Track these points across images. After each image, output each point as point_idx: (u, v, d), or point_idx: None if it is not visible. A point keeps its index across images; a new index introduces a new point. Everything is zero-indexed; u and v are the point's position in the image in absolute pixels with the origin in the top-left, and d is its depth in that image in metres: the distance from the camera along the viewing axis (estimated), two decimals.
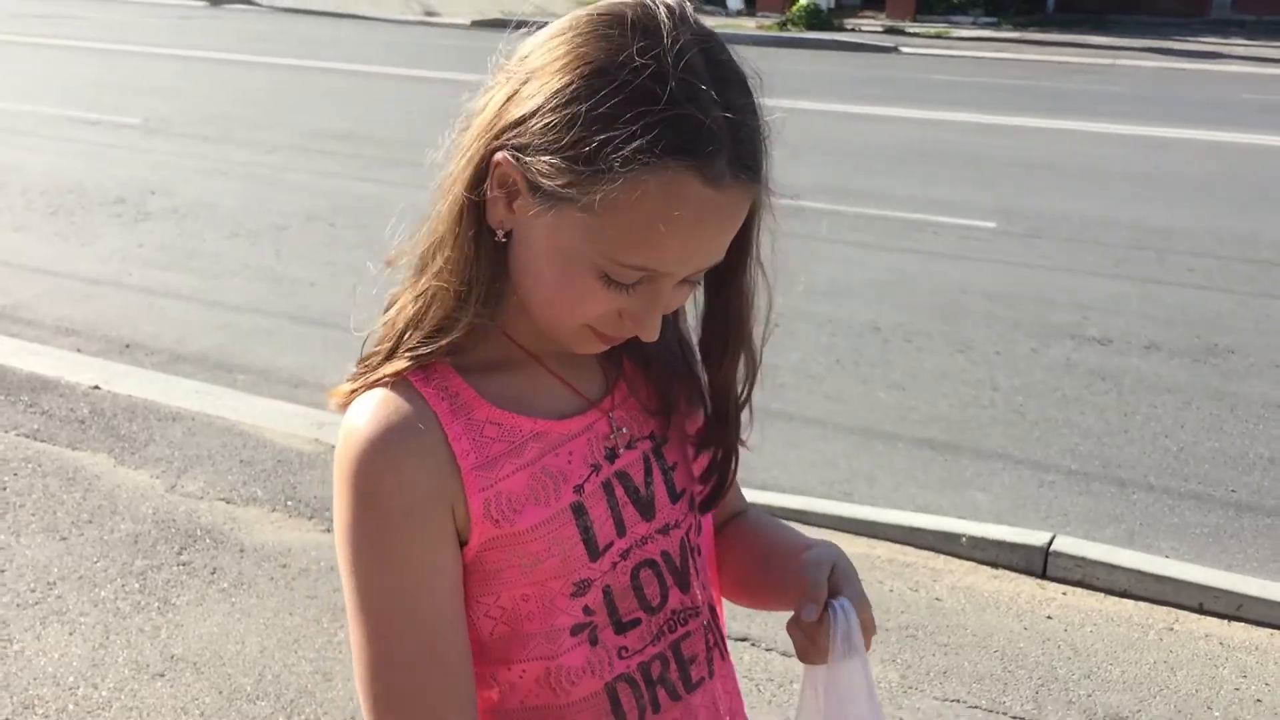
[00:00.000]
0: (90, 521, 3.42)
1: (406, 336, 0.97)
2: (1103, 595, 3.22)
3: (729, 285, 1.00)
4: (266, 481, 3.69)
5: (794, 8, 18.94)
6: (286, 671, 2.79)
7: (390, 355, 0.98)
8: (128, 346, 4.97)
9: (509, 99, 0.90)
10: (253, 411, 4.22)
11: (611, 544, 1.00)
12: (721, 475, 1.10)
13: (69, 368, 4.57)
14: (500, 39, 0.96)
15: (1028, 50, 16.83)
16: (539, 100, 0.87)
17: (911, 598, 3.18)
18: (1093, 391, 4.65)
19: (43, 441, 3.92)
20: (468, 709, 0.96)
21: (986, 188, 7.97)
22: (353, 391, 0.98)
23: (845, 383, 4.70)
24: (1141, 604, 3.18)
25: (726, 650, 1.12)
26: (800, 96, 10.01)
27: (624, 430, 1.04)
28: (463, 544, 0.96)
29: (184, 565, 3.22)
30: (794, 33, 17.92)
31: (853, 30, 18.68)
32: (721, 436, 1.08)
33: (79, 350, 4.88)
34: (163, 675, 2.76)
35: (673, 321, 1.08)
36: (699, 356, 1.07)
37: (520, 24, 0.94)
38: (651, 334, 0.94)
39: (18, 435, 3.96)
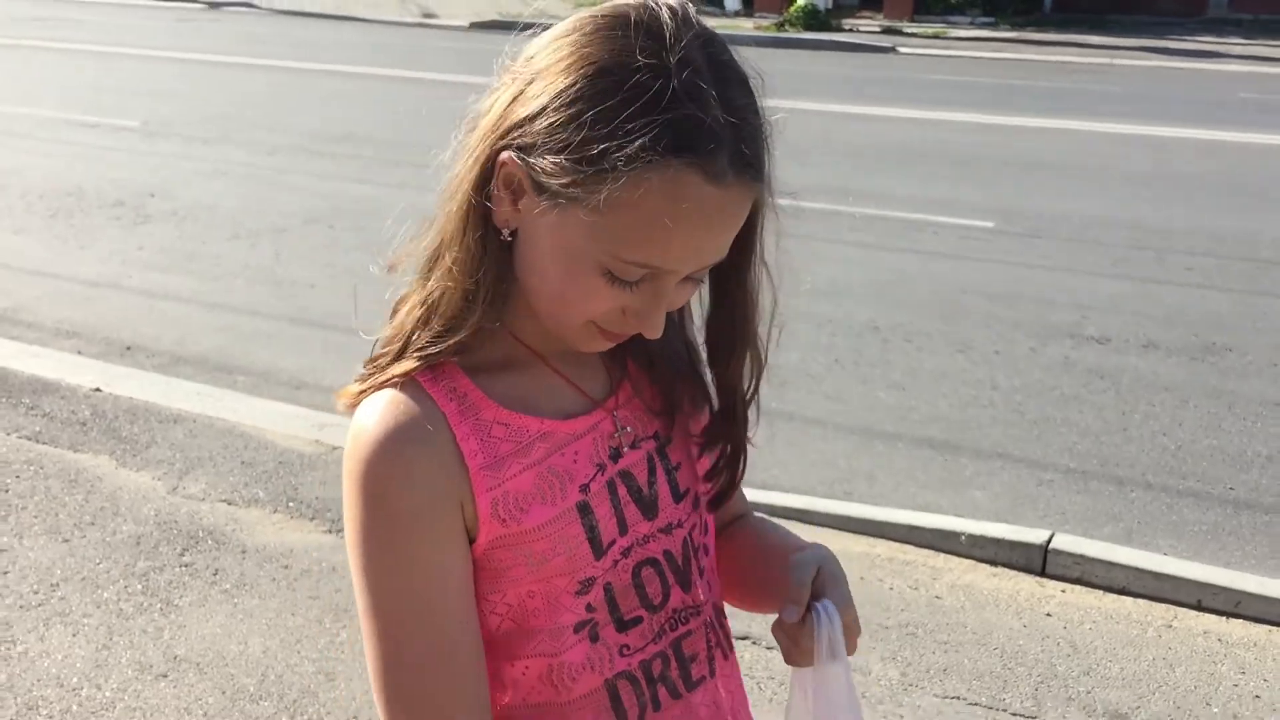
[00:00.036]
0: (92, 523, 3.43)
1: (415, 337, 0.98)
2: (1101, 593, 3.23)
3: (734, 284, 1.01)
4: (268, 483, 3.70)
5: (791, 8, 18.94)
6: (289, 672, 2.80)
7: (399, 356, 0.98)
8: (128, 349, 4.98)
9: (514, 99, 0.91)
10: (254, 413, 4.23)
11: (613, 542, 1.01)
12: (731, 471, 1.10)
13: (70, 370, 4.57)
14: (498, 41, 0.97)
15: (1025, 50, 16.84)
16: (544, 100, 0.88)
17: (911, 596, 3.19)
18: (1091, 390, 4.66)
19: (44, 444, 3.93)
20: (480, 708, 0.97)
21: (985, 188, 7.98)
22: (361, 392, 0.99)
23: (845, 382, 4.71)
24: (1140, 601, 3.19)
25: (730, 649, 1.12)
26: (798, 97, 10.03)
27: (628, 429, 1.05)
28: (471, 541, 0.97)
29: (186, 566, 3.23)
30: (792, 33, 17.92)
31: (850, 30, 18.68)
32: (729, 432, 1.09)
33: (80, 353, 4.89)
34: (166, 676, 2.77)
35: (678, 323, 1.09)
36: (705, 356, 1.08)
37: (526, 26, 0.95)
38: (655, 331, 0.95)
39: (19, 438, 3.97)
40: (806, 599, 1.01)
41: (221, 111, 10.49)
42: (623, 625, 1.03)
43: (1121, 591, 3.23)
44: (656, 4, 0.89)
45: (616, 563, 1.02)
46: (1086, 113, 10.99)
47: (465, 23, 18.75)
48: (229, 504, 3.57)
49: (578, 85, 0.87)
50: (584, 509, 1.00)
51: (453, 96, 1.01)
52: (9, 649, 2.85)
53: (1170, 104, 11.63)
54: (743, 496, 1.19)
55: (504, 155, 0.90)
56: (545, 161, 0.88)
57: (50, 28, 17.02)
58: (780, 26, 18.58)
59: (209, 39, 16.41)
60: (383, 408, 0.96)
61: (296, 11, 20.53)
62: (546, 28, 0.93)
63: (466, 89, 0.99)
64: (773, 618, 1.04)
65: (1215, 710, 2.76)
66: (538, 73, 0.90)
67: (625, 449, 1.04)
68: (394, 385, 0.97)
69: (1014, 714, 2.73)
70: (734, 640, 1.14)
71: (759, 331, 1.04)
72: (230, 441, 3.98)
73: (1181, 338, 5.20)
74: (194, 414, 4.19)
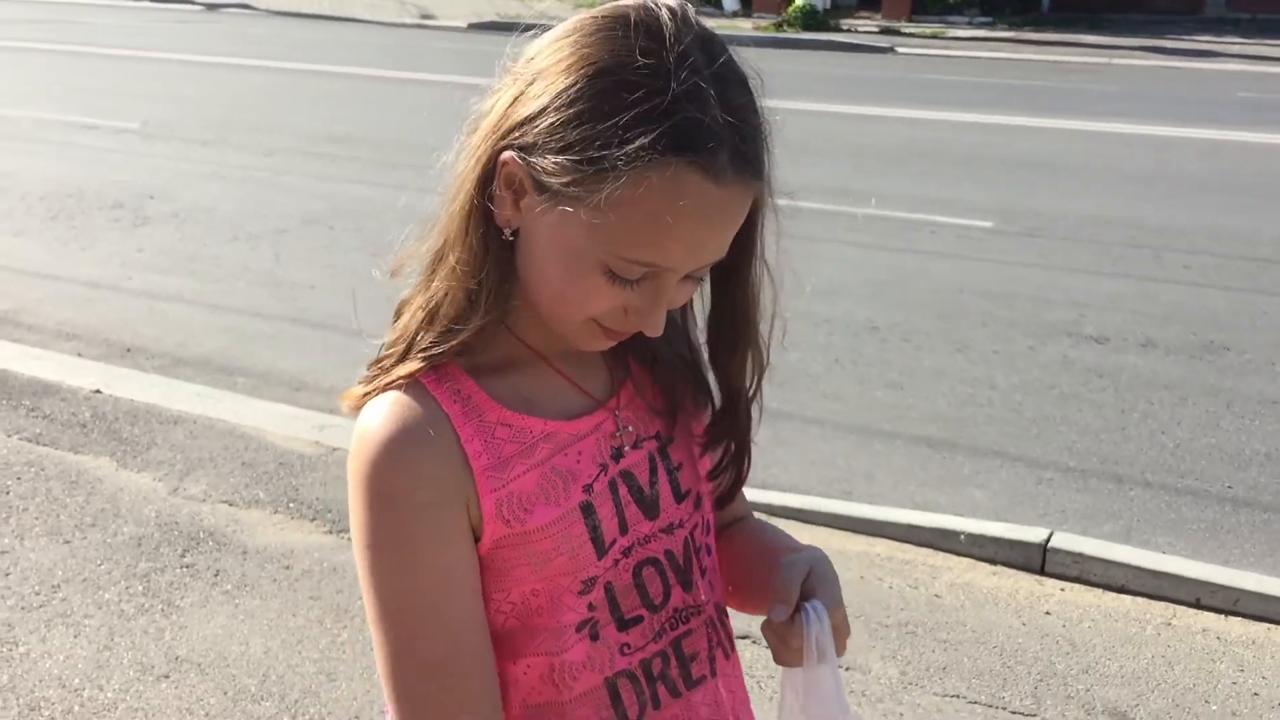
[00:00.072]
0: (93, 525, 3.43)
1: (419, 338, 0.98)
2: (1100, 591, 3.24)
3: (734, 283, 1.01)
4: (269, 484, 3.70)
5: (790, 8, 18.95)
6: (290, 672, 2.81)
7: (403, 357, 0.99)
8: (129, 350, 4.99)
9: (515, 100, 0.92)
10: (254, 414, 4.23)
11: (614, 541, 1.02)
12: (736, 469, 1.11)
13: (70, 372, 4.58)
14: (496, 41, 0.98)
15: (1023, 50, 16.86)
16: (544, 100, 0.89)
17: (911, 595, 3.20)
18: (1090, 389, 4.67)
19: (45, 446, 3.93)
20: (490, 706, 0.98)
21: (983, 187, 7.99)
22: (365, 395, 1.00)
23: (844, 382, 4.72)
24: (1139, 599, 3.20)
25: (732, 649, 1.13)
26: (797, 97, 10.03)
27: (629, 429, 1.05)
28: (475, 541, 0.98)
29: (187, 567, 3.23)
30: (790, 33, 17.94)
31: (849, 31, 18.70)
32: (732, 430, 1.09)
33: (80, 354, 4.89)
34: (167, 676, 2.78)
35: (681, 324, 1.09)
36: (707, 355, 1.08)
37: (527, 27, 0.96)
38: (656, 329, 0.96)
39: (20, 439, 3.97)
40: (795, 599, 1.01)
41: (220, 113, 10.49)
42: (623, 624, 1.03)
43: (1120, 590, 3.24)
44: (656, 5, 0.90)
45: (617, 562, 1.02)
46: (1084, 112, 11.00)
47: (463, 23, 18.77)
48: (230, 505, 3.57)
49: (578, 85, 0.87)
50: (587, 509, 1.00)
51: (451, 97, 1.02)
52: (11, 650, 2.86)
53: (1168, 103, 11.63)
54: (743, 498, 1.20)
55: (505, 155, 0.91)
56: (546, 161, 0.89)
57: (49, 29, 17.02)
58: (779, 27, 18.60)
59: (207, 40, 16.41)
60: (387, 409, 0.96)
61: (294, 13, 20.53)
62: (547, 29, 0.94)
63: (465, 90, 0.99)
64: None
65: (1214, 708, 2.77)
66: (538, 73, 0.90)
67: (627, 449, 1.04)
68: (398, 387, 0.98)
69: (1013, 712, 2.74)
70: (735, 639, 1.15)
71: (760, 330, 1.05)
72: (231, 443, 3.98)
73: (1180, 336, 5.21)
74: (195, 415, 4.19)
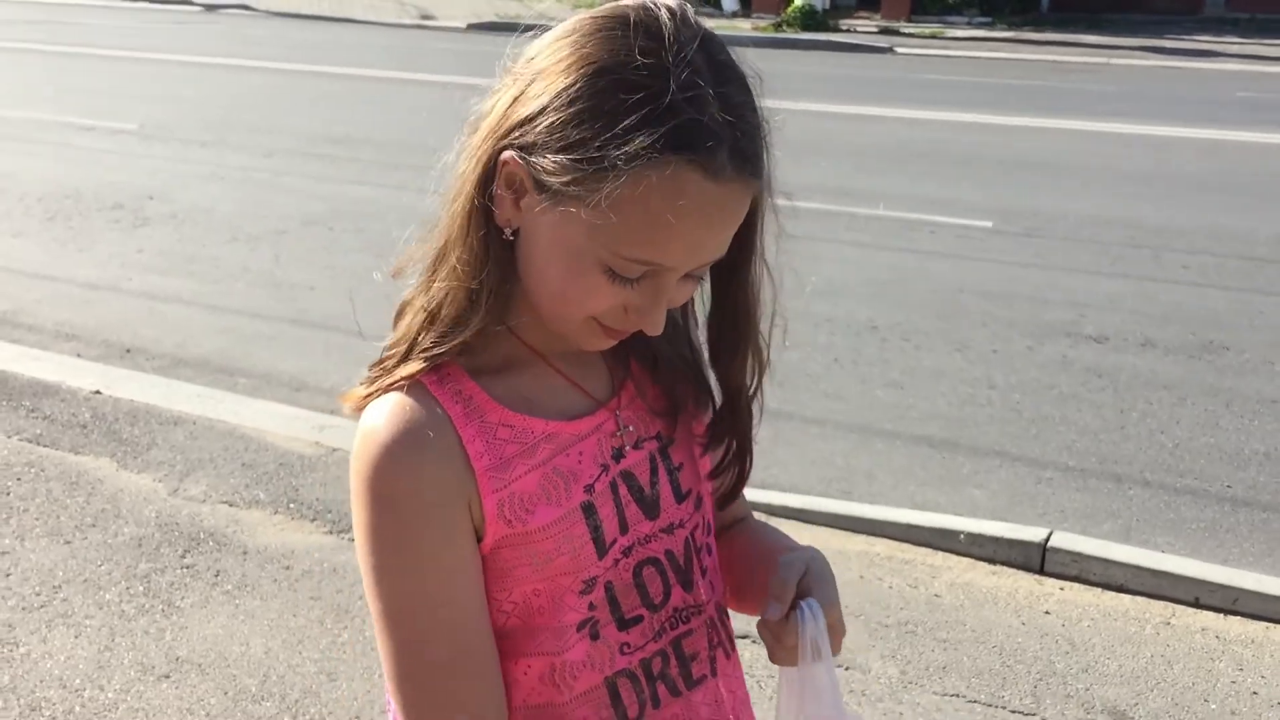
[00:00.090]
0: (94, 525, 3.44)
1: (420, 338, 0.98)
2: (1100, 590, 3.25)
3: (735, 283, 1.02)
4: (269, 484, 3.71)
5: (789, 9, 18.96)
6: (291, 672, 2.81)
7: (405, 358, 0.99)
8: (128, 351, 4.99)
9: (515, 100, 0.92)
10: (254, 415, 4.24)
11: (615, 541, 1.02)
12: (738, 467, 1.11)
13: (70, 373, 4.58)
14: (495, 42, 0.98)
15: (1022, 50, 16.86)
16: (544, 100, 0.89)
17: (910, 594, 3.20)
18: (1089, 389, 4.68)
19: (45, 446, 3.94)
20: (495, 705, 0.98)
21: (982, 187, 7.99)
22: (367, 396, 1.00)
23: (843, 381, 4.73)
24: (1138, 598, 3.20)
25: (733, 649, 1.13)
26: (796, 97, 10.03)
27: (630, 429, 1.05)
28: (477, 541, 0.98)
29: (188, 568, 3.24)
30: (789, 34, 17.94)
31: (848, 31, 18.70)
32: (733, 428, 1.09)
33: (79, 355, 4.89)
34: (168, 677, 2.78)
35: (682, 325, 1.10)
36: (708, 354, 1.08)
37: (527, 28, 0.96)
38: (656, 328, 0.96)
39: (20, 440, 3.97)
40: (790, 597, 1.01)
41: (219, 114, 10.49)
42: (624, 624, 1.03)
43: (1119, 589, 3.24)
44: (655, 5, 0.90)
45: (618, 562, 1.03)
46: (1083, 112, 11.01)
47: (463, 24, 18.77)
48: (230, 505, 3.58)
49: (578, 85, 0.88)
50: (588, 509, 1.01)
51: (451, 98, 1.02)
52: (12, 650, 2.86)
53: (1167, 103, 11.64)
54: (743, 499, 1.20)
55: (505, 155, 0.91)
56: (546, 160, 0.89)
57: (46, 30, 17.02)
58: (778, 27, 18.61)
59: (206, 41, 16.41)
60: (389, 411, 0.97)
61: (293, 13, 20.53)
62: (546, 29, 0.94)
63: (465, 90, 1.00)
64: None
65: (1213, 706, 2.78)
66: (538, 73, 0.91)
67: (628, 449, 1.05)
68: (400, 388, 0.98)
69: (1013, 711, 2.75)
70: (736, 639, 1.15)
71: (760, 329, 1.05)
72: (231, 443, 3.98)
73: (1179, 336, 5.21)
74: (194, 416, 4.19)
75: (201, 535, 3.40)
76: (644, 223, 0.88)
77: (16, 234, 6.76)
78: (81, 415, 4.17)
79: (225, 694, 2.73)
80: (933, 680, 2.84)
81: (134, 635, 2.93)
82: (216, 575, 3.20)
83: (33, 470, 3.76)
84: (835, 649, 1.03)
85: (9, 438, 3.99)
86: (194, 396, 4.39)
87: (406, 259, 1.02)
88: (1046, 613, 3.14)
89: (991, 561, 3.37)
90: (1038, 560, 3.34)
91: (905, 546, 3.44)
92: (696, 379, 1.10)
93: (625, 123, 0.86)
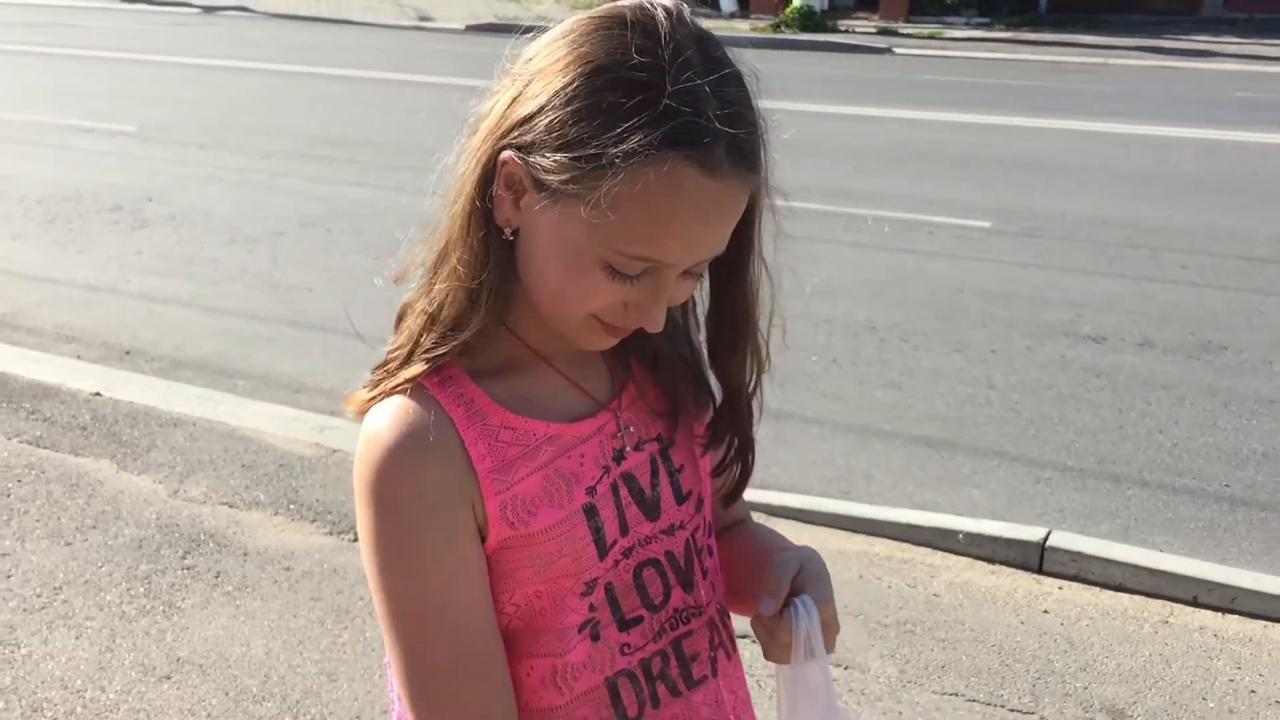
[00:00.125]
0: (94, 527, 3.44)
1: (422, 339, 0.99)
2: (1098, 589, 3.25)
3: (733, 282, 1.02)
4: (269, 485, 3.71)
5: (787, 10, 18.98)
6: (292, 673, 2.81)
7: (407, 360, 1.00)
8: (128, 353, 4.99)
9: (514, 100, 0.93)
10: (254, 416, 4.24)
11: (615, 542, 1.03)
12: (740, 463, 1.12)
13: (70, 375, 4.58)
14: (494, 43, 0.99)
15: (1021, 50, 16.88)
16: (542, 99, 0.90)
17: (909, 594, 3.21)
18: (1087, 389, 4.68)
19: (45, 448, 3.94)
20: (504, 705, 0.99)
21: (981, 187, 8.00)
22: (370, 399, 1.00)
23: (842, 382, 4.73)
24: (1137, 598, 3.21)
25: (734, 649, 1.13)
26: (795, 98, 10.05)
27: (631, 430, 1.06)
28: (481, 541, 0.99)
29: (188, 569, 3.24)
30: (787, 34, 17.96)
31: (846, 32, 18.73)
32: (734, 425, 1.10)
33: (79, 357, 4.90)
34: (169, 678, 2.79)
35: (683, 326, 1.10)
36: (707, 353, 1.09)
37: (526, 29, 0.97)
38: (656, 324, 0.96)
39: (20, 442, 3.98)
40: (784, 593, 1.02)
41: (218, 116, 10.50)
42: (624, 625, 1.04)
43: (1118, 588, 3.25)
44: (651, 4, 0.91)
45: (618, 563, 1.03)
46: (1082, 112, 11.02)
47: (461, 25, 18.79)
48: (230, 507, 3.58)
49: (575, 83, 0.88)
50: (590, 511, 1.01)
51: (449, 99, 1.02)
52: (13, 652, 2.87)
53: (1165, 103, 11.66)
54: (742, 501, 1.20)
55: (504, 155, 0.92)
56: (545, 159, 0.89)
57: (45, 33, 17.02)
58: (776, 28, 18.63)
59: (204, 43, 16.42)
60: (392, 414, 0.97)
61: (291, 15, 20.55)
62: (545, 30, 0.95)
63: (463, 92, 1.00)
64: None
65: (1211, 705, 2.78)
66: (536, 73, 0.91)
67: (629, 450, 1.05)
68: (402, 391, 0.98)
69: (1012, 710, 2.75)
70: (737, 639, 1.15)
71: (759, 327, 1.05)
72: (231, 445, 3.99)
73: (1177, 336, 5.22)
74: (194, 417, 4.20)
75: (202, 536, 3.40)
76: (643, 219, 0.89)
77: (16, 236, 6.77)
78: (81, 417, 4.18)
79: (226, 694, 2.74)
80: (932, 679, 2.85)
81: (135, 636, 2.94)
82: (217, 576, 3.21)
83: (33, 472, 3.77)
84: (830, 646, 1.03)
85: (9, 440, 4.00)
86: (194, 398, 4.40)
87: (409, 264, 1.02)
88: (1045, 612, 3.14)
89: (990, 561, 3.38)
90: (1036, 560, 3.34)
91: (904, 546, 3.44)
92: (697, 379, 1.11)
93: (622, 120, 0.86)
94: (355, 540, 3.37)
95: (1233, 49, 16.58)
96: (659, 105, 0.86)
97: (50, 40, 16.08)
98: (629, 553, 1.04)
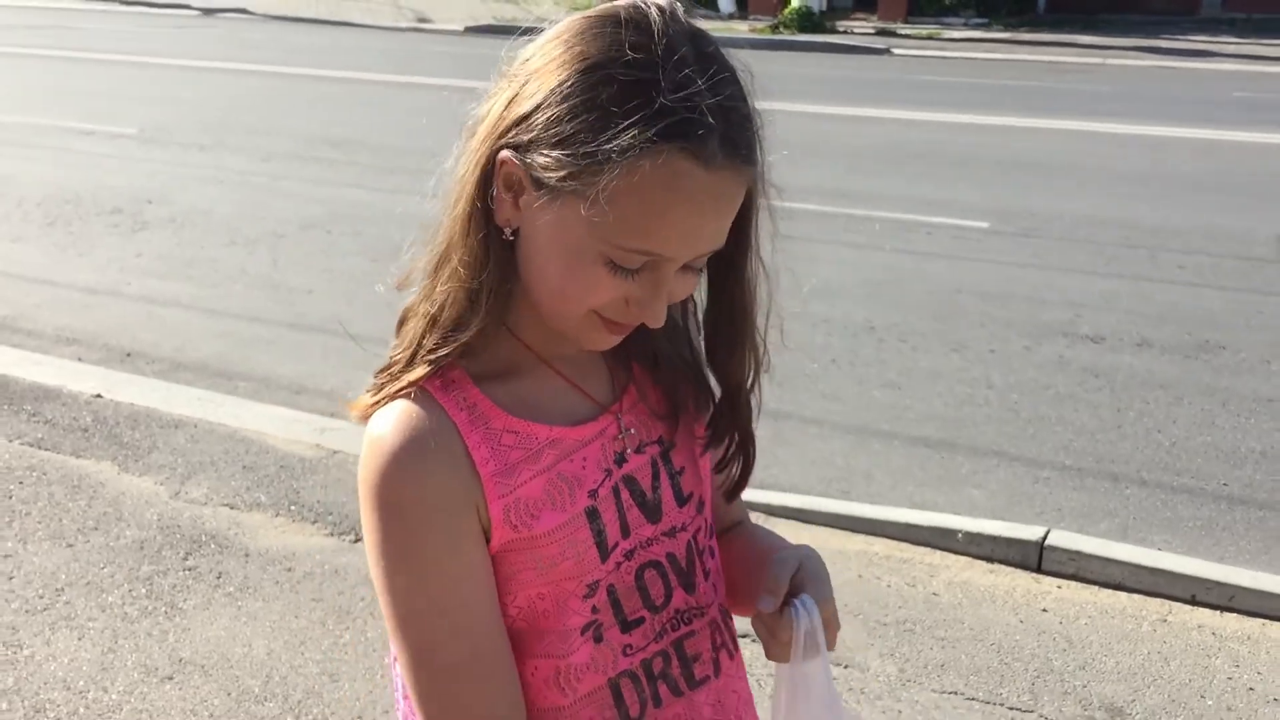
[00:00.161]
0: (96, 528, 3.45)
1: (424, 341, 1.00)
2: (1097, 588, 3.26)
3: (731, 279, 1.03)
4: (270, 487, 3.72)
5: (786, 10, 18.98)
6: (293, 673, 2.82)
7: (409, 363, 1.00)
8: (128, 355, 5.00)
9: (511, 101, 0.94)
10: (254, 418, 4.25)
11: (616, 545, 1.04)
12: (742, 459, 1.13)
13: (70, 377, 4.59)
14: (492, 44, 1.00)
15: (1019, 51, 16.89)
16: (539, 98, 0.91)
17: (909, 593, 3.22)
18: (1086, 388, 4.69)
19: (47, 450, 3.95)
20: (513, 706, 1.00)
21: (979, 188, 8.01)
22: (374, 403, 1.01)
23: (841, 382, 4.74)
24: (1135, 596, 3.22)
25: (736, 650, 1.14)
26: (793, 99, 10.07)
27: (632, 432, 1.07)
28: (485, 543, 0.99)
29: (190, 570, 3.25)
30: (786, 35, 17.97)
31: (845, 32, 18.74)
32: (734, 422, 1.11)
33: (80, 359, 4.91)
34: (171, 678, 2.80)
35: (683, 327, 1.11)
36: (705, 352, 1.09)
37: (523, 31, 0.98)
38: (657, 319, 0.97)
39: (22, 444, 3.99)
40: (784, 591, 1.02)
41: (217, 117, 10.51)
42: (626, 626, 1.05)
43: (1117, 587, 3.26)
44: (645, 3, 0.92)
45: (620, 565, 1.04)
46: (1080, 113, 11.03)
47: (460, 27, 18.80)
48: (231, 508, 3.59)
49: (570, 81, 0.89)
50: (592, 514, 1.02)
51: (448, 101, 1.03)
52: (15, 653, 2.88)
53: (1163, 103, 11.67)
54: (740, 503, 1.21)
55: (503, 154, 0.93)
56: (543, 157, 0.91)
57: (45, 35, 17.03)
58: (775, 29, 18.63)
59: (204, 45, 16.42)
60: (396, 418, 0.98)
61: (291, 17, 20.55)
62: (542, 32, 0.96)
63: (462, 93, 1.01)
64: None
65: (1210, 703, 2.79)
66: (532, 73, 0.93)
67: (630, 453, 1.06)
68: (405, 395, 0.99)
69: (1011, 708, 2.76)
70: (739, 639, 1.16)
71: (757, 325, 1.06)
72: (232, 446, 4.00)
73: (1175, 336, 5.23)
74: (195, 419, 4.21)
75: (203, 538, 3.41)
76: (640, 213, 0.90)
77: (16, 239, 6.78)
78: (83, 419, 4.19)
79: (228, 695, 2.75)
80: (931, 678, 2.86)
81: (137, 637, 2.95)
82: (218, 577, 3.22)
83: (35, 474, 3.78)
84: (830, 645, 1.04)
85: (11, 442, 4.01)
86: (194, 400, 4.41)
87: (413, 270, 1.03)
88: (1044, 610, 3.15)
89: (989, 560, 3.39)
90: (1035, 559, 3.35)
91: (903, 546, 3.45)
92: (697, 380, 1.11)
93: (617, 115, 0.87)
94: (356, 541, 3.38)
95: (1231, 49, 16.59)
96: (653, 100, 0.87)
97: (50, 42, 16.08)
98: (630, 555, 1.05)
